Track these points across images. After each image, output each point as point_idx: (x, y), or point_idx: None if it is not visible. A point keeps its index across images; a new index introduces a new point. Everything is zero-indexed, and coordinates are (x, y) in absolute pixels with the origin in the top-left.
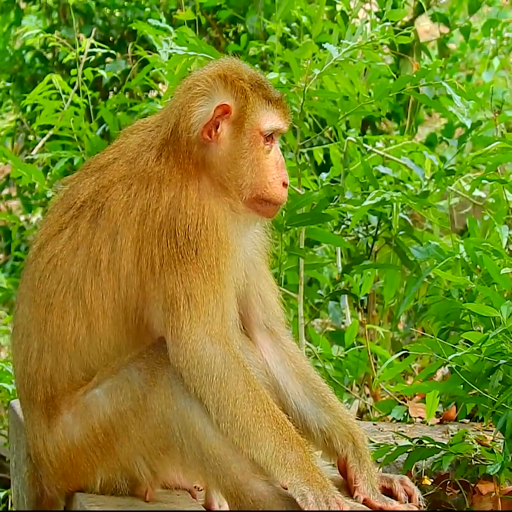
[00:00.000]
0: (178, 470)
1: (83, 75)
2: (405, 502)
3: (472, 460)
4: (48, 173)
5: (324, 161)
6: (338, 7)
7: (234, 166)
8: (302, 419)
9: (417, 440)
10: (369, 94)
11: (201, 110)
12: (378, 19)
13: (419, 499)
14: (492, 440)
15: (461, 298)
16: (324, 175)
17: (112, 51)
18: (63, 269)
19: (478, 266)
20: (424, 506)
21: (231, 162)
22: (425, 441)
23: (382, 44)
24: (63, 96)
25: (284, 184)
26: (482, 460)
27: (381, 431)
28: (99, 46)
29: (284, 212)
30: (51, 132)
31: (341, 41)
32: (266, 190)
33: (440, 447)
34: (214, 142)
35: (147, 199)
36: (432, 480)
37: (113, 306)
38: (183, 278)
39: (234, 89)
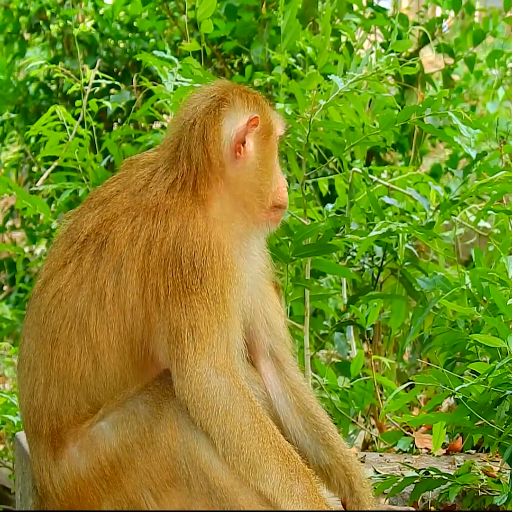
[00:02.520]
0: (184, 503)
1: (87, 106)
2: None
3: (479, 491)
4: (53, 205)
5: (329, 192)
6: (343, 38)
7: (262, 175)
8: (301, 454)
9: (423, 471)
10: (374, 124)
11: (227, 131)
12: (383, 50)
13: None
14: (499, 471)
15: (467, 329)
16: (329, 206)
17: (116, 82)
18: (68, 304)
19: (484, 297)
20: None
21: (260, 172)
22: (431, 472)
23: (387, 75)
24: (68, 127)
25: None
26: (489, 491)
27: (388, 462)
28: (103, 77)
29: (289, 243)
30: (55, 163)
31: (346, 72)
32: (280, 195)
33: (446, 478)
34: (242, 159)
35: (153, 230)
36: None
37: (118, 339)
38: (187, 310)
39: (251, 102)
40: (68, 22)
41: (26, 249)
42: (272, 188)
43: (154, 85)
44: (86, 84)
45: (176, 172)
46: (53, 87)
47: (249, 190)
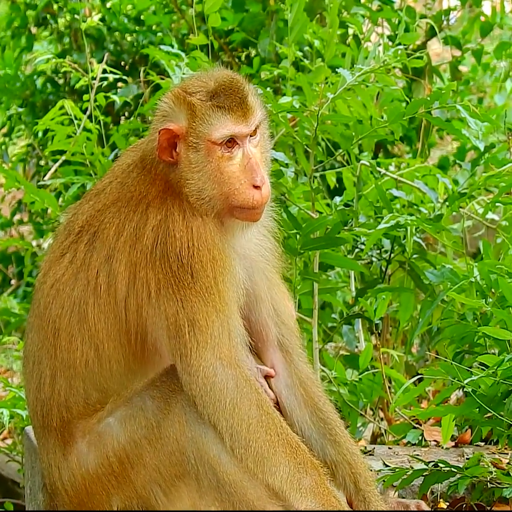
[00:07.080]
0: (193, 497)
1: (95, 100)
2: None
3: (488, 483)
4: (61, 199)
5: (337, 185)
6: (351, 31)
7: (194, 181)
8: (308, 448)
9: (432, 463)
10: (382, 117)
11: (156, 133)
12: (390, 43)
13: None
14: (508, 463)
15: (476, 321)
16: (337, 199)
17: (124, 76)
18: (66, 293)
19: (492, 289)
20: None
21: (190, 178)
22: (440, 465)
23: (394, 67)
24: (75, 121)
25: (255, 186)
26: (498, 483)
27: (396, 454)
28: (111, 71)
29: (298, 236)
30: (63, 157)
31: (354, 65)
32: (235, 197)
33: (455, 470)
34: (176, 161)
35: (135, 222)
36: (448, 504)
37: (116, 329)
38: (184, 304)
39: (184, 107)
40: (76, 16)
41: (34, 243)
42: (220, 190)
43: (162, 79)
44: (93, 78)
45: (143, 162)
46: (61, 81)
47: (189, 192)
